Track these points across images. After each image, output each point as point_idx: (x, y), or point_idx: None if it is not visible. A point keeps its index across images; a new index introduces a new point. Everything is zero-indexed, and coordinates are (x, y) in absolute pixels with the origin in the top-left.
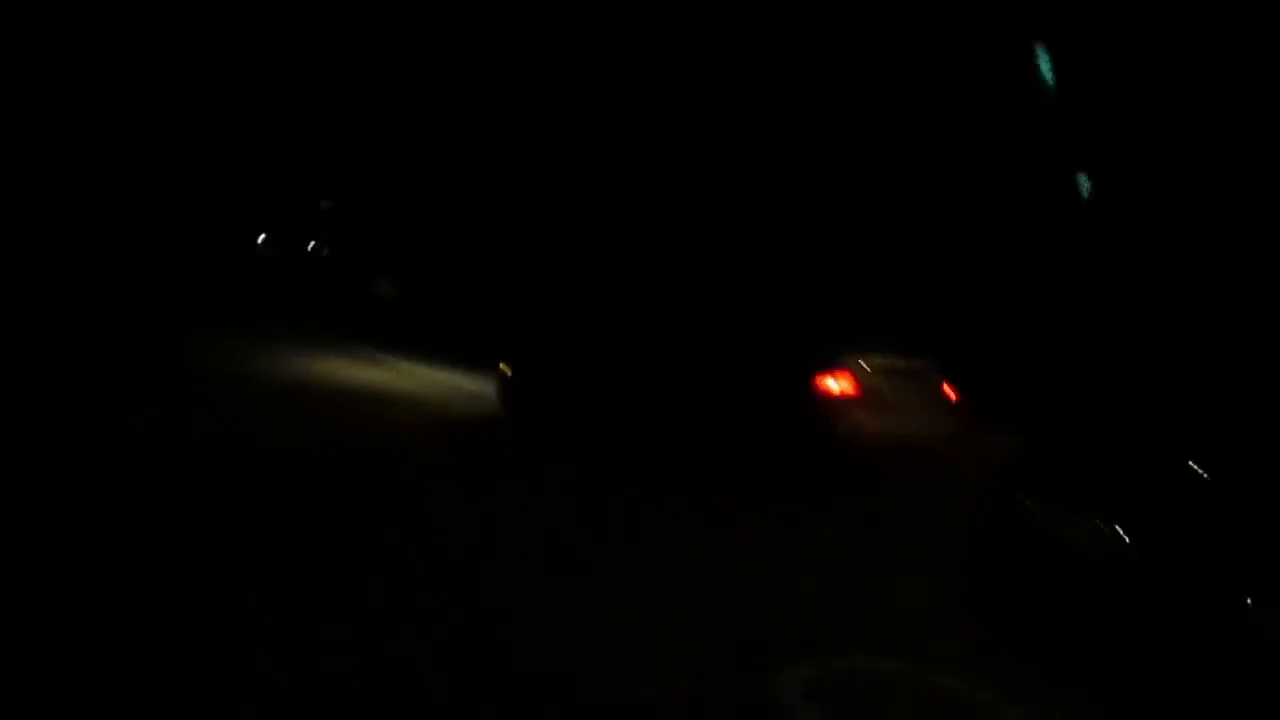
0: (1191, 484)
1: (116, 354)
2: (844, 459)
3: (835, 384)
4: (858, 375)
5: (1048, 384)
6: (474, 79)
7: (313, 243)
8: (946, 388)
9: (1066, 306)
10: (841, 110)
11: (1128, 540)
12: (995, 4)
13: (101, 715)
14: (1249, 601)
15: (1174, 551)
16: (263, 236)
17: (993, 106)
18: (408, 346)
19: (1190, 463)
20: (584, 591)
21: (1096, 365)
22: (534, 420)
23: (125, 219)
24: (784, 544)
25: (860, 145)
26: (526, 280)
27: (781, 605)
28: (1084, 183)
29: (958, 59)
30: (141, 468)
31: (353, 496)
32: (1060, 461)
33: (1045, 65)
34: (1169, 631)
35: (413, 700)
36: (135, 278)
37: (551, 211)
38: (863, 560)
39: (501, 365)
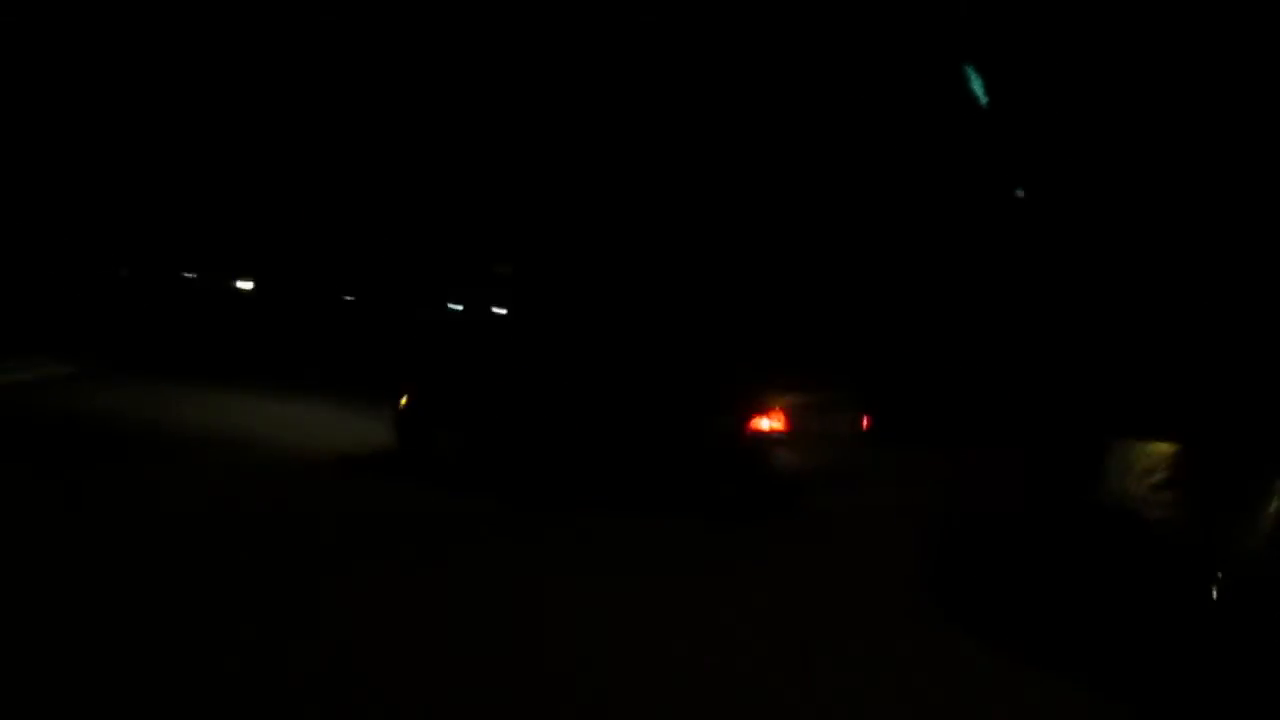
0: None
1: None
2: (776, 491)
3: (767, 423)
4: (786, 413)
5: (971, 400)
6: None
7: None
8: (863, 417)
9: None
10: (766, 127)
11: None
12: (925, 27)
13: None
14: None
15: None
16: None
17: (925, 126)
18: None
19: None
20: None
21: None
22: (441, 455)
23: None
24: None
25: (784, 162)
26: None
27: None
28: (1019, 194)
29: (890, 80)
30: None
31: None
32: None
33: (977, 85)
34: None
35: None
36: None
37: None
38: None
39: (403, 395)
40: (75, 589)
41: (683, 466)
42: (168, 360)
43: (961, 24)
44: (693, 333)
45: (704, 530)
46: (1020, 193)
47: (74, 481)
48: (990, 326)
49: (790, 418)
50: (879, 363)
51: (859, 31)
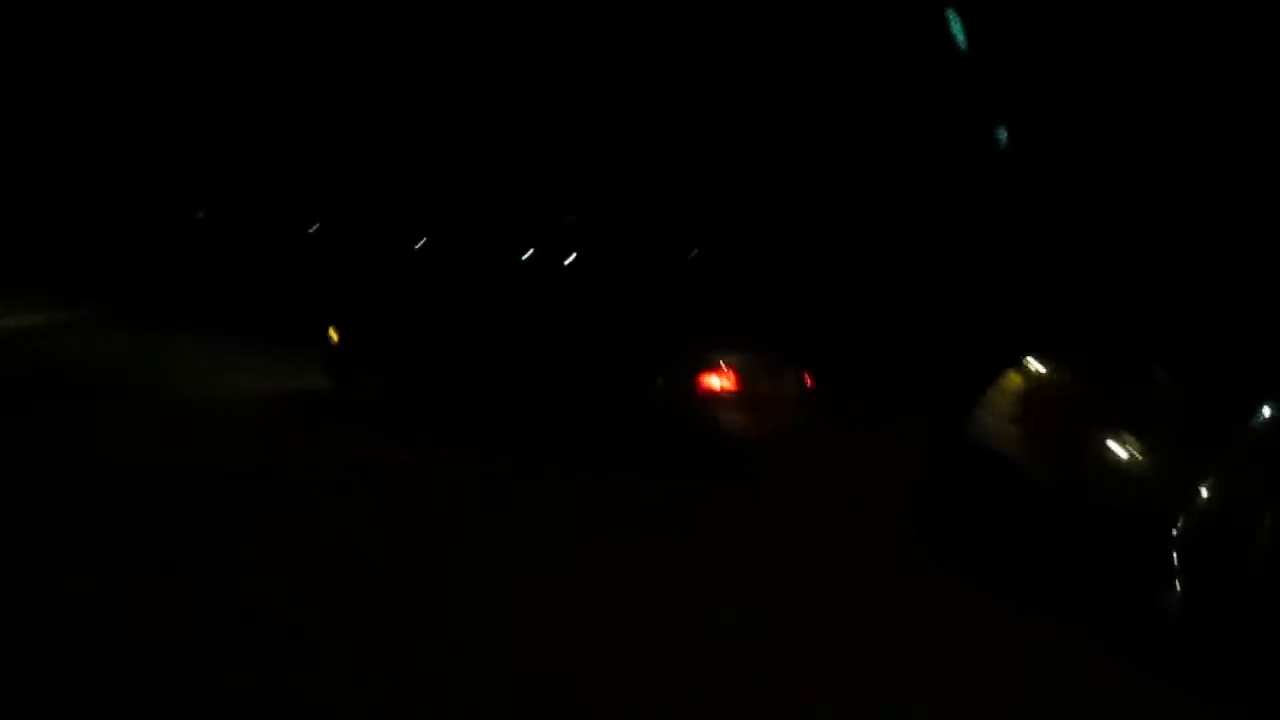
0: None
1: None
2: (724, 445)
3: (717, 380)
4: (735, 371)
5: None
6: None
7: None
8: (805, 376)
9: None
10: (738, 79)
11: None
12: None
13: None
14: None
15: None
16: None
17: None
18: None
19: None
20: None
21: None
22: (372, 401)
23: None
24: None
25: (748, 117)
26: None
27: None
28: (1002, 136)
29: (865, 26)
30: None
31: None
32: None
33: (957, 28)
34: None
35: None
36: None
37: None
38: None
39: (330, 331)
40: None
41: (633, 424)
42: (196, 307)
43: None
44: (641, 290)
45: (665, 487)
46: (1003, 133)
47: None
48: (952, 278)
49: (739, 376)
50: (826, 321)
51: None
